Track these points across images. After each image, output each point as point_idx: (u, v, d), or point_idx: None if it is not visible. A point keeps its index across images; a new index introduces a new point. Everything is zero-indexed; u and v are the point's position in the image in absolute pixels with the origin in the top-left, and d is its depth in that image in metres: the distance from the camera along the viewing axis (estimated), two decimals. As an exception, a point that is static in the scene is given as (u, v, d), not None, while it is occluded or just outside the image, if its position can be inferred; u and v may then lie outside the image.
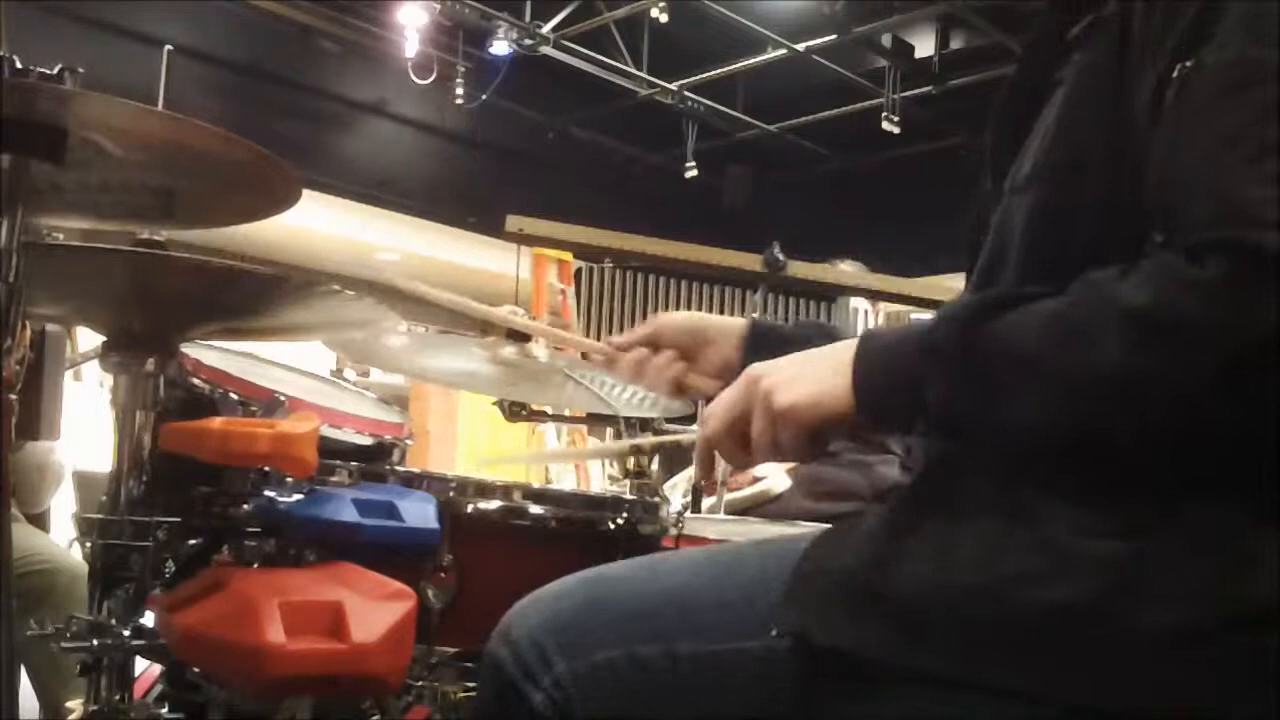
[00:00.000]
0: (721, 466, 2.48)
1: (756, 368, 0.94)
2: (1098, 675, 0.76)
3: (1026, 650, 0.78)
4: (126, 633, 1.31)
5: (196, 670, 1.38)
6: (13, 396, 1.07)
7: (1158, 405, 0.75)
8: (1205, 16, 0.79)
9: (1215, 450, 0.76)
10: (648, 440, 1.23)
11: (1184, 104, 0.78)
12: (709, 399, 1.06)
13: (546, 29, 7.34)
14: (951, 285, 2.73)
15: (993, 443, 0.84)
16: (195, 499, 1.40)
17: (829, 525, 1.02)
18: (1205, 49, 0.78)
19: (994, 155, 1.02)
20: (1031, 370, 0.79)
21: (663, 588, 1.01)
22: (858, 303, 2.81)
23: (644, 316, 2.70)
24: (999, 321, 0.81)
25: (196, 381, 1.48)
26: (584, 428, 5.50)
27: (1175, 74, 0.79)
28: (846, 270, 2.85)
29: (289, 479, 1.33)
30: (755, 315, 1.27)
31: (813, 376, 0.91)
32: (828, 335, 1.25)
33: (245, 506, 1.36)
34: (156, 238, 1.37)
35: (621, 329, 2.69)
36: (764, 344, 1.23)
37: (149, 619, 1.34)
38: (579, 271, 2.90)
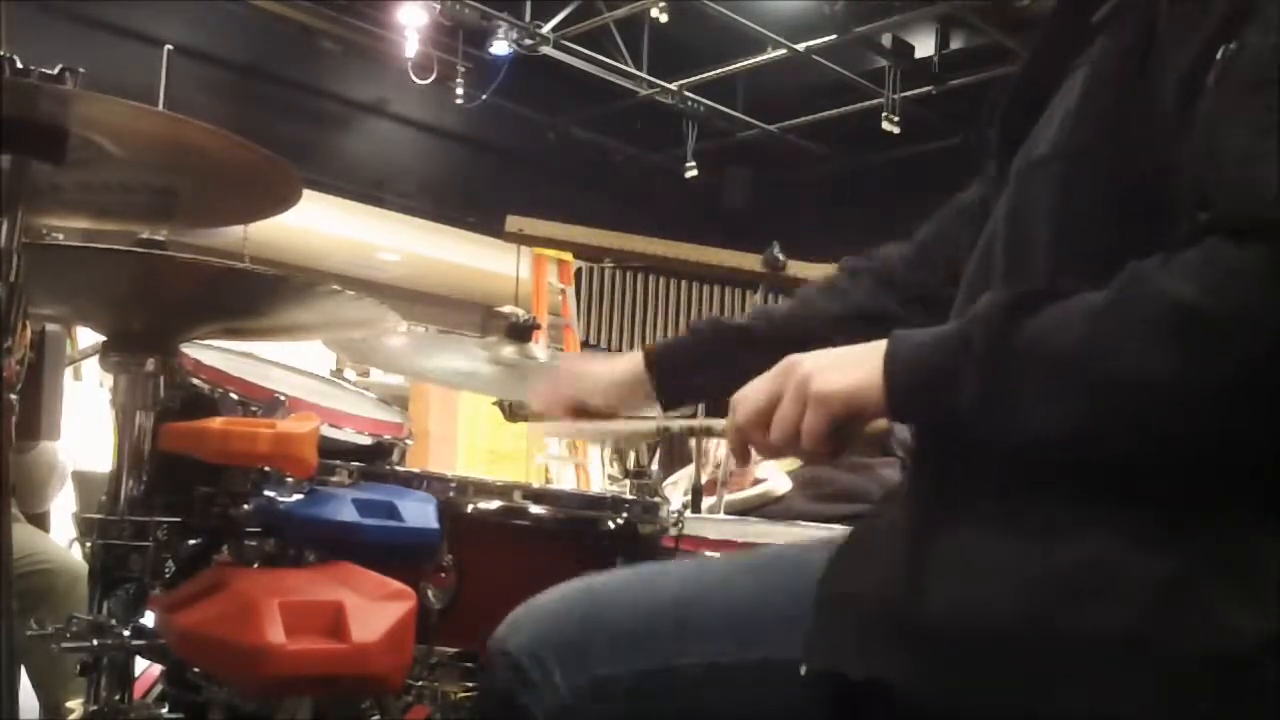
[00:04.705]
0: (724, 467, 2.48)
1: (794, 356, 0.93)
2: (1141, 700, 0.75)
3: (1073, 676, 0.77)
4: (126, 633, 1.31)
5: (196, 670, 1.38)
6: (13, 396, 1.07)
7: (1208, 398, 0.73)
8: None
9: (1262, 455, 0.75)
10: (677, 423, 1.22)
11: (1226, 86, 0.77)
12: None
13: (546, 29, 7.33)
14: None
15: (1029, 444, 0.81)
16: (195, 499, 1.39)
17: (829, 526, 1.01)
18: (1249, 30, 0.76)
19: (1002, 139, 1.00)
20: (1075, 369, 0.77)
21: (661, 599, 1.00)
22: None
23: (644, 316, 2.70)
24: (1037, 318, 0.79)
25: (196, 381, 1.48)
26: (584, 427, 5.49)
27: (1219, 55, 0.77)
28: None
29: (289, 479, 1.33)
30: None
31: (850, 367, 0.90)
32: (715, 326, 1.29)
33: (245, 506, 1.35)
34: (156, 238, 1.37)
35: (621, 329, 2.70)
36: (669, 366, 1.28)
37: (149, 619, 1.34)
38: (579, 271, 2.90)
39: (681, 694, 0.95)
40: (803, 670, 0.88)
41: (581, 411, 1.30)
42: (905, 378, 0.86)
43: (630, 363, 1.31)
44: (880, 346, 0.89)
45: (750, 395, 0.96)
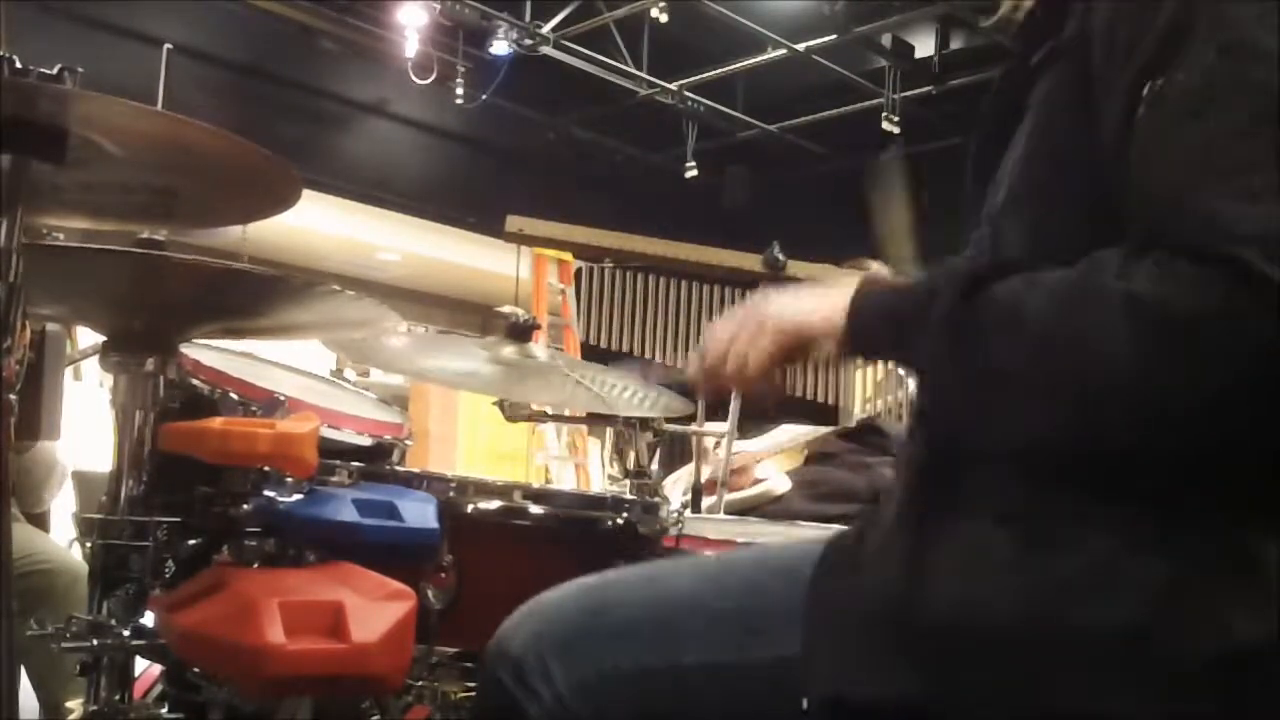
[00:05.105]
0: (721, 466, 2.48)
1: (759, 295, 0.99)
2: (1142, 700, 0.75)
3: (1074, 676, 0.77)
4: (126, 633, 1.31)
5: (196, 670, 1.38)
6: (13, 396, 1.07)
7: (1157, 408, 0.74)
8: (1173, 32, 0.78)
9: (1234, 466, 0.76)
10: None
11: (1158, 121, 0.78)
12: None
13: (546, 29, 7.33)
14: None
15: (979, 406, 0.84)
16: (195, 499, 1.39)
17: (828, 526, 1.01)
18: (1175, 65, 0.78)
19: (974, 179, 1.02)
20: (1030, 342, 0.79)
21: (664, 597, 1.00)
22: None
23: (644, 316, 2.70)
24: (1001, 284, 0.82)
25: (196, 381, 1.48)
26: (584, 427, 5.51)
27: (1146, 91, 0.78)
28: (871, 270, 2.83)
29: (289, 479, 1.33)
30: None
31: (811, 297, 0.95)
32: None
33: (245, 506, 1.35)
34: (156, 238, 1.37)
35: (621, 329, 2.69)
36: None
37: (149, 619, 1.34)
38: (579, 271, 2.89)
39: (683, 692, 0.94)
40: (804, 705, 0.88)
41: None
42: (869, 312, 0.91)
43: None
44: (843, 286, 0.93)
45: (714, 332, 1.00)
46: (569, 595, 1.04)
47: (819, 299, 0.95)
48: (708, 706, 0.94)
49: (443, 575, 1.44)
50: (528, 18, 7.30)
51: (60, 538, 2.42)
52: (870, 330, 0.92)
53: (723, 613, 0.97)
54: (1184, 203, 0.75)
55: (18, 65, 1.03)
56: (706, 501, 2.45)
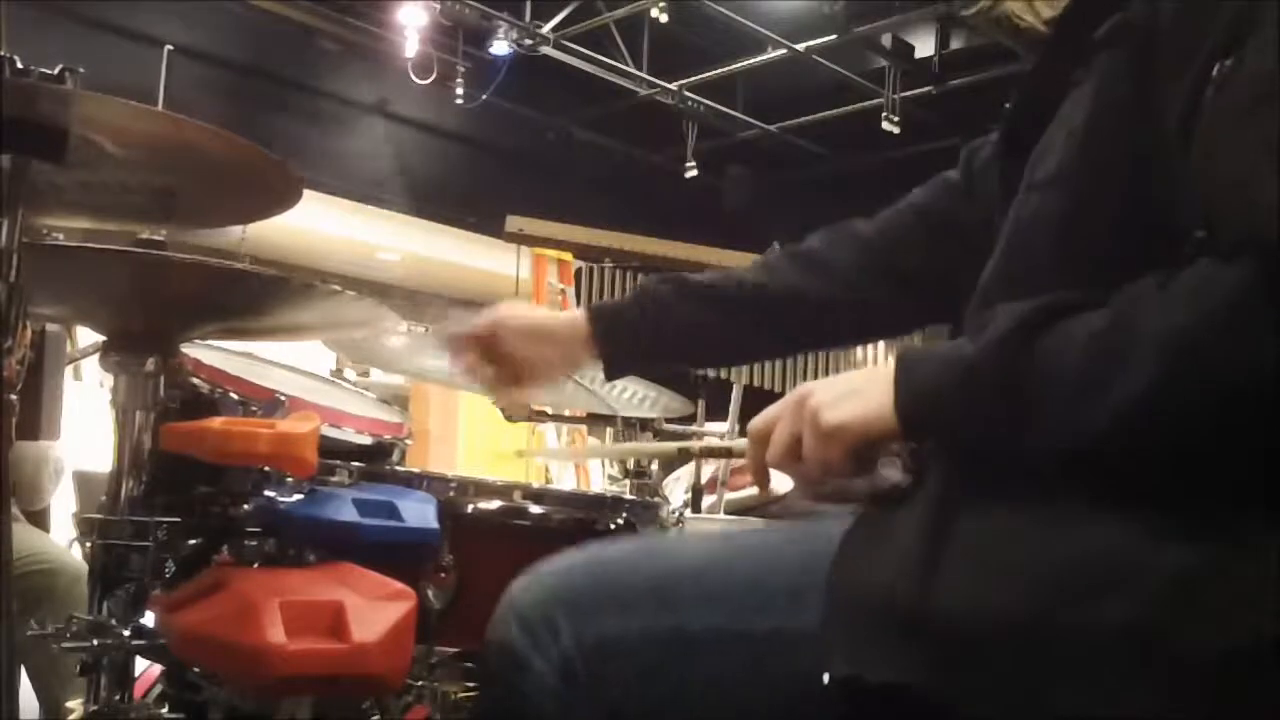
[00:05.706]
0: (721, 466, 2.48)
1: (804, 386, 0.95)
2: (1153, 698, 0.75)
3: (1084, 673, 0.77)
4: (126, 633, 1.31)
5: (196, 670, 1.38)
6: (13, 397, 1.07)
7: (1194, 421, 0.75)
8: (1246, 14, 0.77)
9: (1241, 463, 0.76)
10: (696, 445, 1.23)
11: (1223, 105, 0.77)
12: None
13: (546, 29, 7.34)
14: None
15: (1039, 460, 0.83)
16: (195, 499, 1.40)
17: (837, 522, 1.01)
18: (1246, 49, 0.76)
19: (1006, 154, 1.01)
20: (1072, 397, 0.79)
21: (673, 564, 1.01)
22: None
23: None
24: (1040, 342, 0.81)
25: (196, 381, 1.48)
26: (584, 427, 5.51)
27: (1215, 72, 0.77)
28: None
29: (289, 479, 1.33)
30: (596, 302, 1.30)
31: (859, 396, 0.91)
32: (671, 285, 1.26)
33: (245, 506, 1.36)
34: (156, 238, 1.37)
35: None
36: (613, 331, 1.26)
37: (149, 619, 1.34)
38: (579, 271, 2.89)
39: (688, 657, 0.95)
40: (825, 679, 0.88)
41: (506, 361, 1.26)
42: (916, 404, 0.88)
43: (570, 317, 1.29)
44: (888, 374, 0.90)
45: (770, 433, 0.97)
46: (577, 560, 1.04)
47: (865, 391, 0.91)
48: (709, 673, 0.94)
49: (443, 575, 1.44)
50: (528, 18, 7.31)
51: (60, 538, 2.42)
52: (918, 421, 0.90)
53: (725, 581, 0.97)
54: (1242, 190, 0.74)
55: (18, 65, 1.03)
56: (706, 501, 2.45)
